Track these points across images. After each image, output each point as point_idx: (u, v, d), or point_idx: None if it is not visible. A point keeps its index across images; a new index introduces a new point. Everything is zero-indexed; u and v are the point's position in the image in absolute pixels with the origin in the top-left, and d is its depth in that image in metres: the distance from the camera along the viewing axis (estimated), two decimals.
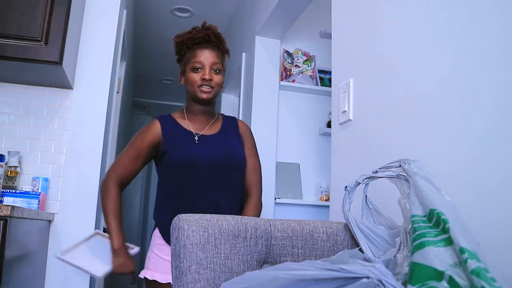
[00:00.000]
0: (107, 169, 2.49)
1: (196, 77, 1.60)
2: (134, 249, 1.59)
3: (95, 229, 2.21)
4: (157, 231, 1.60)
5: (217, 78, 1.61)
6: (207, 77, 1.59)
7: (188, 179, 1.56)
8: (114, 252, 1.51)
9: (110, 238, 1.53)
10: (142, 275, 1.58)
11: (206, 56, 1.61)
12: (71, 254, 1.54)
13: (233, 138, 1.70)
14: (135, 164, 1.60)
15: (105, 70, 2.34)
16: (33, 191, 2.00)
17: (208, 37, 1.66)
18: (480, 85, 0.91)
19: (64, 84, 2.20)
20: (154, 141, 1.61)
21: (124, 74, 3.26)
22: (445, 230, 0.66)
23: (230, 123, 1.75)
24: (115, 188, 1.58)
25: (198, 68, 1.60)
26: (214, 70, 1.61)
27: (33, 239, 1.85)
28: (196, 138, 1.63)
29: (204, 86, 1.60)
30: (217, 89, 1.63)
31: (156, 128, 1.62)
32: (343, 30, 1.56)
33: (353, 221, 0.93)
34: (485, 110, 0.89)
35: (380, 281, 0.59)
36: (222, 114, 1.78)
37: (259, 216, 1.65)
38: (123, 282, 5.88)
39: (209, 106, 1.68)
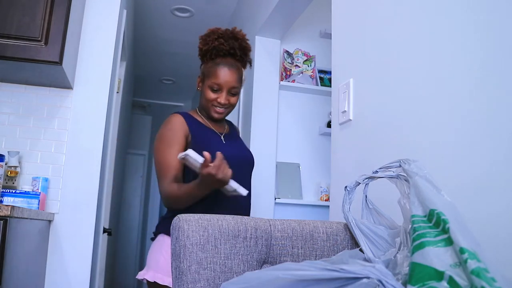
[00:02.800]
0: (107, 169, 2.50)
1: (212, 96, 1.60)
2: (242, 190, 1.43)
3: (94, 229, 2.21)
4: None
5: (232, 100, 1.62)
6: (223, 101, 1.60)
7: None
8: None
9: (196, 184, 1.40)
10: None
11: (226, 80, 1.59)
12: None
13: (241, 139, 1.77)
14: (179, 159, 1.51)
15: (105, 70, 2.33)
16: (33, 191, 2.00)
17: (234, 51, 1.63)
18: (480, 85, 0.91)
19: (64, 84, 2.19)
20: (185, 134, 1.56)
21: (124, 74, 3.26)
22: (445, 230, 0.66)
23: (232, 126, 1.80)
24: (174, 184, 1.47)
25: (217, 90, 1.60)
26: (232, 93, 1.62)
27: (33, 239, 1.85)
28: (222, 138, 1.65)
29: (218, 108, 1.61)
30: (231, 109, 1.66)
31: (183, 122, 1.58)
32: (343, 30, 1.56)
33: (353, 221, 0.93)
34: (485, 109, 0.89)
35: (380, 281, 0.59)
36: None
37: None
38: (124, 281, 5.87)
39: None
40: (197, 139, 1.56)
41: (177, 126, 1.56)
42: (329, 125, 2.96)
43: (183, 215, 0.92)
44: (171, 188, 1.46)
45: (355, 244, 0.98)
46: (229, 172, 1.37)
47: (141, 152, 6.83)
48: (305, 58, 3.09)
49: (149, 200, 6.75)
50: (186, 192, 1.43)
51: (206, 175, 1.33)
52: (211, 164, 1.33)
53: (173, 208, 1.49)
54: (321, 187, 2.92)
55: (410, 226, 0.73)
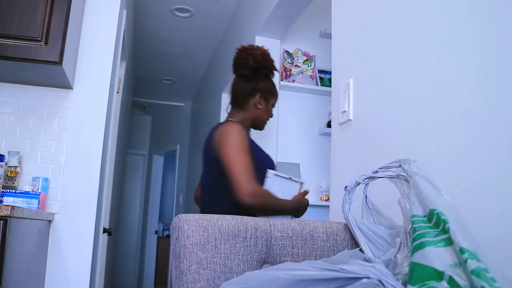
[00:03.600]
0: (107, 169, 2.50)
1: (271, 113, 1.89)
2: None
3: (94, 229, 2.21)
4: None
5: None
6: (273, 115, 1.91)
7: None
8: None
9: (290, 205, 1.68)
10: None
11: None
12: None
13: None
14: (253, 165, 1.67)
15: (105, 70, 2.33)
16: (33, 191, 2.00)
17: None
18: (480, 85, 0.91)
19: (64, 84, 2.19)
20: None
21: (124, 74, 3.26)
22: (445, 230, 0.66)
23: None
24: (261, 187, 1.63)
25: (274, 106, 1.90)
26: None
27: (33, 239, 1.85)
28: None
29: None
30: None
31: (246, 133, 1.74)
32: (343, 30, 1.56)
33: (353, 221, 0.93)
34: (485, 110, 0.89)
35: (380, 281, 0.59)
36: None
37: None
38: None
39: None
40: (252, 148, 1.71)
41: (246, 136, 1.72)
42: (329, 125, 2.96)
43: (183, 215, 0.92)
44: (260, 190, 1.59)
45: (355, 244, 0.98)
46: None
47: (141, 152, 6.84)
48: (305, 58, 3.09)
49: (149, 200, 6.75)
50: (280, 205, 1.63)
51: (307, 204, 1.69)
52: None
53: (251, 206, 1.57)
54: (321, 187, 2.92)
55: (410, 226, 0.73)
